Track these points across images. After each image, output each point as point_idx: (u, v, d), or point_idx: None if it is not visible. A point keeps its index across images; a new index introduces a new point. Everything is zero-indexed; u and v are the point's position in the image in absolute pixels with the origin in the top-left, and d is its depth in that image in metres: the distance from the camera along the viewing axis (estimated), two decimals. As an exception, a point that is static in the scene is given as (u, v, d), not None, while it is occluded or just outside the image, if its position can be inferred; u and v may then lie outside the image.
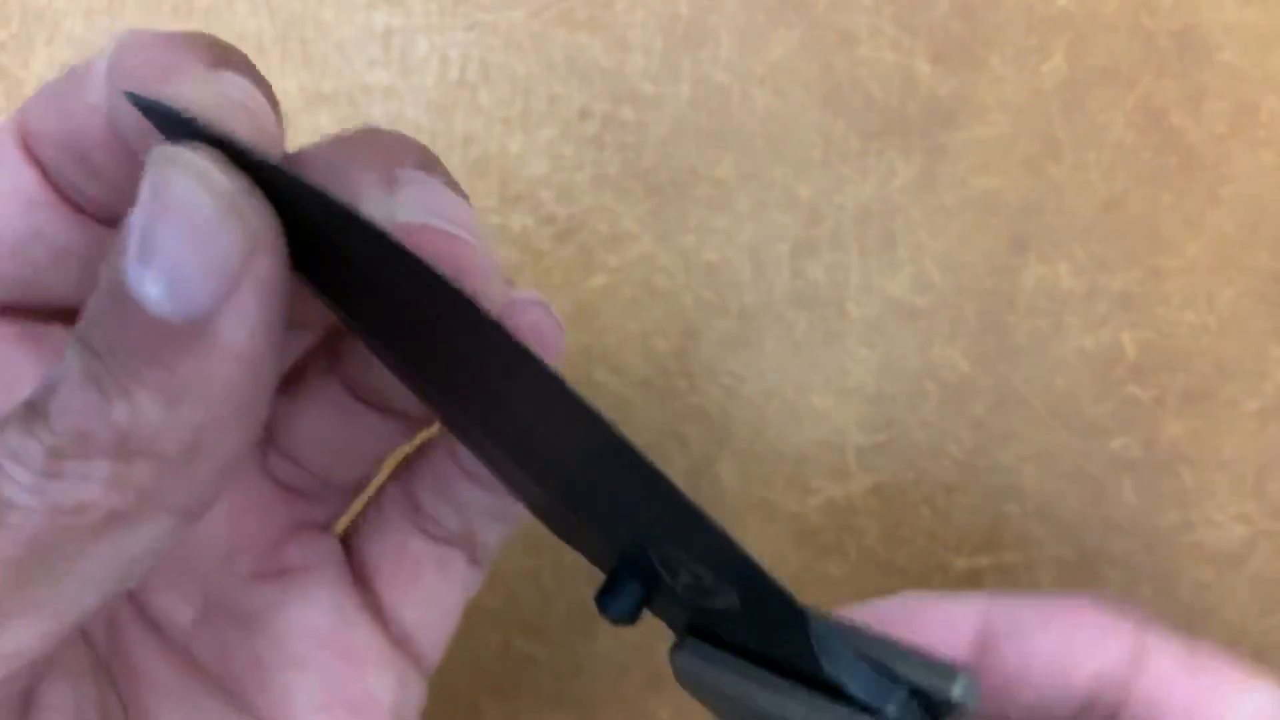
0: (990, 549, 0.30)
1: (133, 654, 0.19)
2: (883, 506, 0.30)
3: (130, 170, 0.17)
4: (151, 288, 0.14)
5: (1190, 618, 0.30)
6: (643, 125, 0.29)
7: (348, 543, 0.21)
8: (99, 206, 0.19)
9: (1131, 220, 0.29)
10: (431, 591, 0.21)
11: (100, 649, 0.19)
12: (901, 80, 0.29)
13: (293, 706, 0.20)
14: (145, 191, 0.15)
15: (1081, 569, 0.30)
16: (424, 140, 0.29)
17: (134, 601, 0.20)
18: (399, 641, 0.21)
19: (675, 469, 0.30)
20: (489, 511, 0.20)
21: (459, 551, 0.21)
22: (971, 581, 0.30)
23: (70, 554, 0.15)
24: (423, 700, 0.21)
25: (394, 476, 0.21)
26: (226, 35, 0.29)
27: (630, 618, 0.19)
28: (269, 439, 0.21)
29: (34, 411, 0.15)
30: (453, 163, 0.29)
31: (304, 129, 0.29)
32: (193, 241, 0.14)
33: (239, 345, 0.15)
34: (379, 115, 0.29)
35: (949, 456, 0.29)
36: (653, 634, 0.31)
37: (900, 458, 0.29)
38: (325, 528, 0.21)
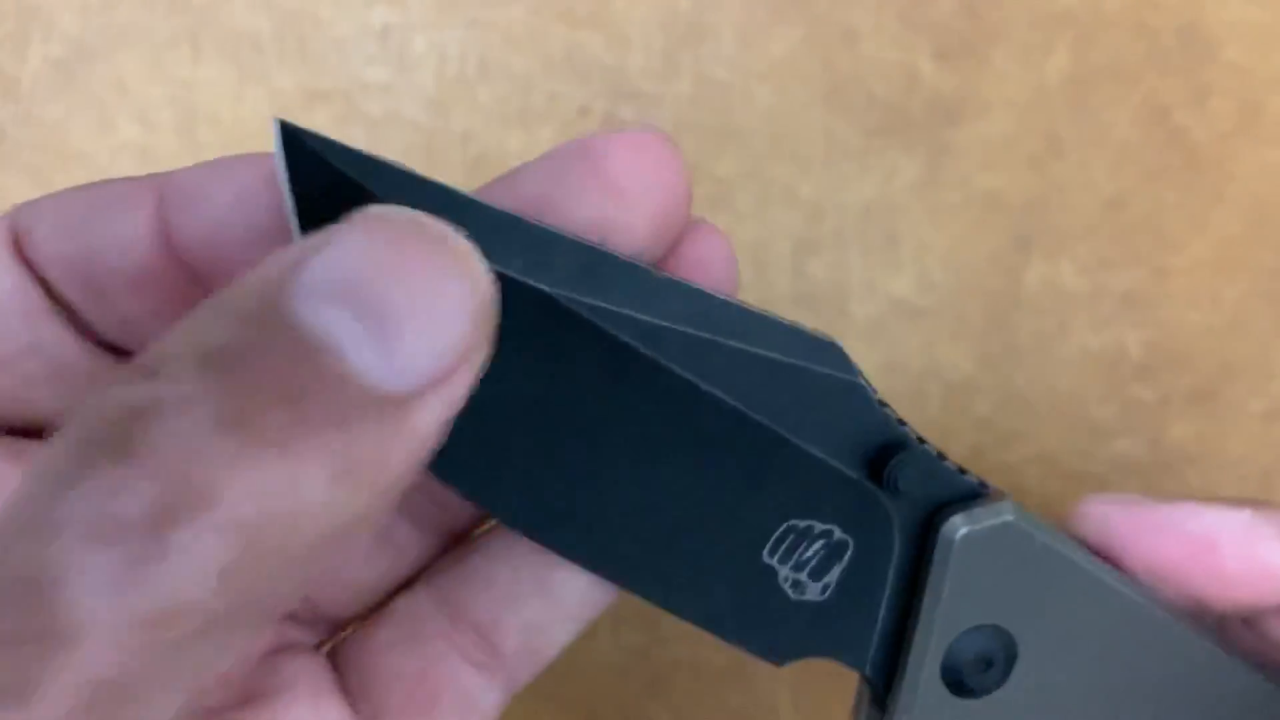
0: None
1: None
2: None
3: (153, 305, 0.16)
4: (356, 337, 0.12)
5: (1194, 619, 0.29)
6: (643, 123, 0.29)
7: (347, 654, 0.19)
8: (100, 330, 0.17)
9: (1136, 219, 0.29)
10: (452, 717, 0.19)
11: None
12: (904, 78, 0.29)
13: None
14: (357, 232, 0.12)
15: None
16: (422, 138, 0.29)
17: None
18: None
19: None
20: (575, 614, 0.19)
21: (494, 685, 0.19)
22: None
23: (141, 691, 0.11)
24: None
25: (427, 588, 0.19)
26: (224, 32, 0.29)
27: None
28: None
29: (119, 448, 0.11)
30: (452, 161, 0.29)
31: (302, 126, 0.29)
32: (436, 316, 0.12)
33: (429, 437, 0.13)
34: (377, 113, 0.29)
35: (952, 457, 0.29)
36: (652, 636, 0.30)
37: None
38: (307, 648, 0.19)
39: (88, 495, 0.11)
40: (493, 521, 0.20)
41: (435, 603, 0.19)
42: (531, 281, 0.16)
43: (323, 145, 0.16)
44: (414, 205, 0.14)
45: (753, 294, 0.29)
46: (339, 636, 0.19)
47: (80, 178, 0.29)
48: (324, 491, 0.12)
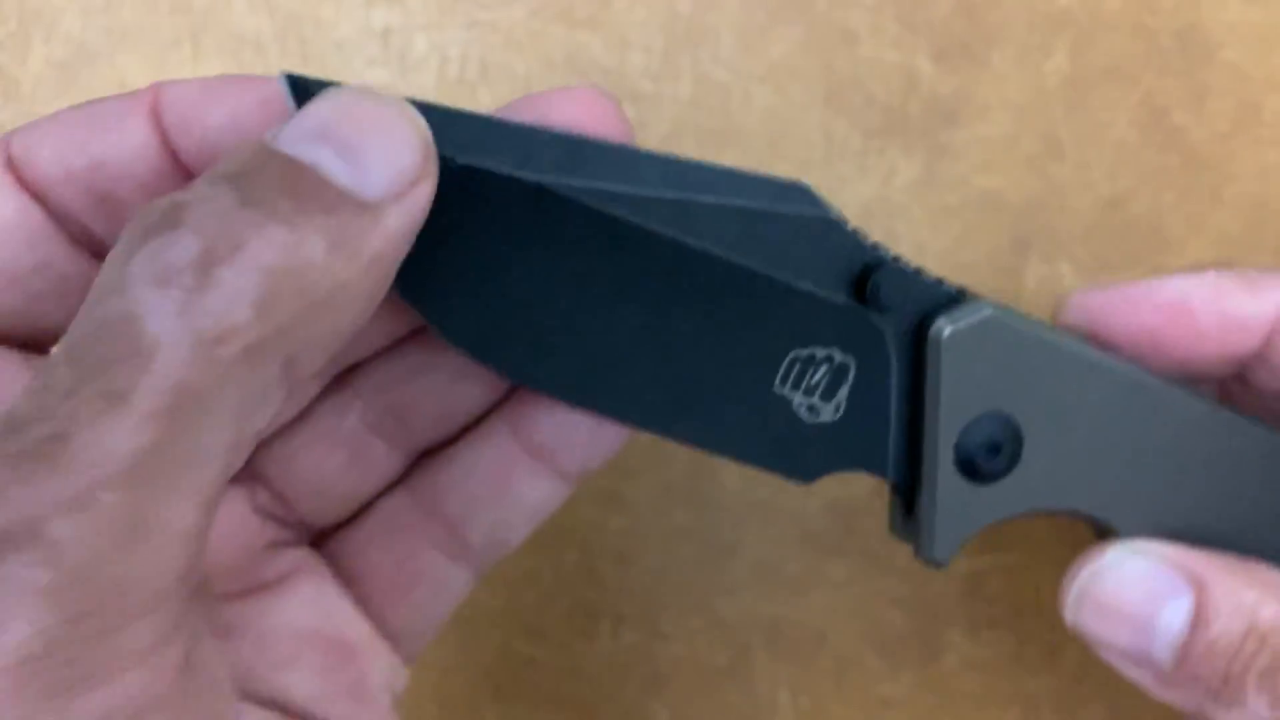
0: (990, 549, 0.30)
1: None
2: (884, 507, 0.30)
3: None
4: (333, 162, 0.16)
5: (1192, 618, 0.30)
6: (643, 124, 0.29)
7: (336, 548, 0.22)
8: (106, 241, 0.19)
9: (1134, 220, 0.29)
10: (424, 604, 0.21)
11: None
12: (903, 79, 0.29)
13: (291, 701, 0.20)
14: (327, 100, 0.17)
15: (1083, 570, 0.29)
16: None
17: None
18: (387, 636, 0.21)
19: (677, 468, 0.30)
20: (531, 509, 0.21)
21: (465, 566, 0.22)
22: (971, 581, 0.30)
23: (208, 403, 0.15)
24: (404, 680, 0.22)
25: (404, 492, 0.22)
26: (226, 33, 0.29)
27: None
28: (258, 476, 0.21)
29: (168, 222, 0.15)
30: (452, 162, 0.29)
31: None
32: (381, 137, 0.17)
33: (398, 235, 0.16)
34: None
35: (950, 457, 0.29)
36: (652, 634, 0.30)
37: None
38: (301, 543, 0.21)
39: (149, 254, 0.15)
40: (462, 436, 0.22)
41: (411, 505, 0.21)
42: (524, 174, 0.19)
43: (327, 86, 0.18)
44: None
45: (752, 294, 0.29)
46: (326, 538, 0.22)
47: (82, 178, 0.29)
48: (321, 255, 0.15)
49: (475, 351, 0.19)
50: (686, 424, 0.20)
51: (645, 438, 0.30)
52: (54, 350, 0.15)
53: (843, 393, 0.21)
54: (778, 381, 0.20)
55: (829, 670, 0.30)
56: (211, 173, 0.16)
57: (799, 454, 0.21)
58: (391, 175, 0.16)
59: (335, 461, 0.21)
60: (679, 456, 0.30)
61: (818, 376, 0.21)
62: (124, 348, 0.14)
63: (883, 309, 0.21)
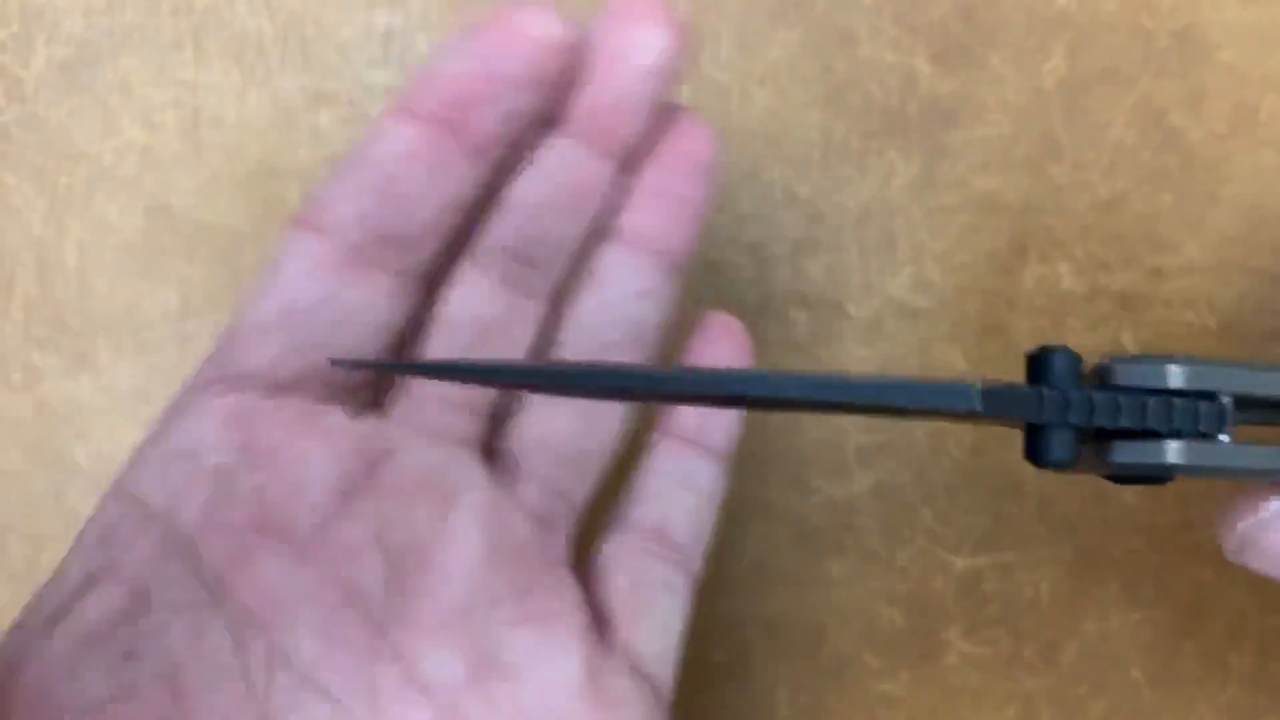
0: (990, 549, 0.30)
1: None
2: (882, 506, 0.30)
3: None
4: None
5: (1189, 617, 0.30)
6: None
7: (582, 580, 0.22)
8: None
9: (1132, 220, 0.29)
10: (665, 620, 0.22)
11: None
12: (902, 80, 0.29)
13: None
14: None
15: (1081, 569, 0.30)
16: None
17: (401, 663, 0.19)
18: (641, 677, 0.21)
19: (675, 469, 0.30)
20: (706, 491, 0.24)
21: (686, 575, 0.23)
22: (971, 581, 0.30)
23: None
24: None
25: (632, 502, 0.23)
26: (226, 34, 0.29)
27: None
28: (515, 466, 0.22)
29: None
30: (453, 162, 0.29)
31: (304, 129, 0.29)
32: None
33: None
34: (379, 115, 0.29)
35: (949, 456, 0.29)
36: (653, 634, 0.31)
37: (900, 458, 0.29)
38: (565, 564, 0.22)
39: None
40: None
41: (620, 530, 0.23)
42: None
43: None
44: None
45: (753, 293, 0.29)
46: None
47: (84, 179, 0.29)
48: None
49: None
50: None
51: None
52: None
53: None
54: None
55: (828, 669, 0.30)
56: None
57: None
58: None
59: (569, 425, 0.23)
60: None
61: None
62: None
63: (1058, 469, 0.19)
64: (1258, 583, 0.29)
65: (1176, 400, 0.19)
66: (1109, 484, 0.28)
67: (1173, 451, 0.19)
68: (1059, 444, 0.18)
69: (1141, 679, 0.30)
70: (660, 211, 0.22)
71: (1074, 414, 0.18)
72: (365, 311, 0.20)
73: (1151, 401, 0.19)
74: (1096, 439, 0.19)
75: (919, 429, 0.29)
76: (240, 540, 0.18)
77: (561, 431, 0.22)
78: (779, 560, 0.30)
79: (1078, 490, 0.29)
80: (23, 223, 0.30)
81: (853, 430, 0.29)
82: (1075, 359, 0.18)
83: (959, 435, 0.29)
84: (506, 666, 0.20)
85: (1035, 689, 0.30)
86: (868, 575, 0.30)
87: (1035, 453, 0.18)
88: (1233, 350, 0.29)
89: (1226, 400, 0.19)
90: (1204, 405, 0.19)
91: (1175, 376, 0.19)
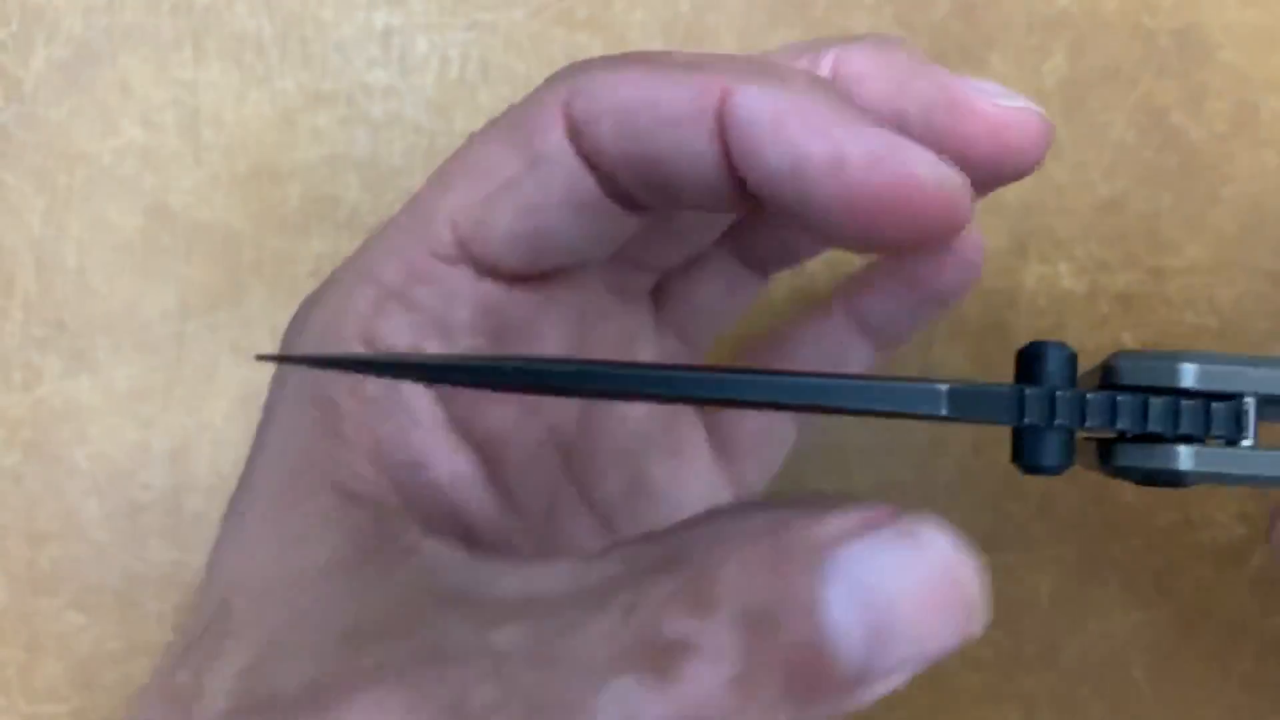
0: (990, 548, 0.30)
1: (566, 530, 0.22)
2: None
3: (710, 203, 0.18)
4: (854, 648, 0.14)
5: (1190, 617, 0.30)
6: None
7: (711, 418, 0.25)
8: (646, 203, 0.19)
9: (1132, 220, 0.29)
10: (768, 458, 0.25)
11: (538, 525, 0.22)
12: (902, 80, 0.29)
13: None
14: (915, 573, 0.14)
15: (1082, 569, 0.30)
16: (423, 140, 0.29)
17: (578, 484, 0.23)
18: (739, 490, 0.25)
19: (675, 469, 0.30)
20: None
21: (795, 427, 0.26)
22: (972, 581, 0.30)
23: None
24: None
25: (760, 347, 0.25)
26: (226, 34, 0.29)
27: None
28: (675, 320, 0.24)
29: (659, 667, 0.14)
30: (452, 162, 0.29)
31: (303, 128, 0.29)
32: (930, 643, 0.14)
33: (862, 704, 0.14)
34: (379, 114, 0.29)
35: (950, 455, 0.29)
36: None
37: (901, 457, 0.29)
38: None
39: (631, 688, 0.14)
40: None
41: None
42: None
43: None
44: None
45: (752, 294, 0.29)
46: None
47: (83, 179, 0.29)
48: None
49: None
50: None
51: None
52: (517, 665, 0.14)
53: None
54: None
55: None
56: (739, 590, 0.14)
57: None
58: (907, 662, 0.14)
59: (720, 290, 0.24)
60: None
61: None
62: None
63: (1047, 474, 0.18)
64: (1258, 583, 0.29)
65: (1185, 401, 0.17)
66: (1110, 484, 0.28)
67: (1183, 457, 0.17)
68: (1047, 448, 0.17)
69: (1142, 679, 0.30)
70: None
71: (1062, 415, 0.17)
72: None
73: (1155, 402, 0.17)
74: (1099, 438, 0.18)
75: (920, 428, 0.29)
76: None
77: (707, 293, 0.24)
78: (779, 560, 0.30)
79: (1079, 490, 0.29)
80: (22, 222, 0.29)
81: (853, 430, 0.29)
82: (1070, 355, 0.17)
83: (960, 434, 0.29)
84: (651, 487, 0.23)
85: (1036, 689, 0.30)
86: (868, 575, 0.30)
87: (1020, 456, 0.17)
88: (1232, 351, 0.29)
89: (1249, 401, 0.17)
90: (1218, 407, 0.17)
91: (1187, 375, 0.17)
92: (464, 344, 0.19)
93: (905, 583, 0.14)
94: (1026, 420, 0.17)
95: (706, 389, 0.16)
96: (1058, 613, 0.30)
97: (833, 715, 0.14)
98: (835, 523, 0.14)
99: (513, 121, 0.19)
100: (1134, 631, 0.30)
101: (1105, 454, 0.18)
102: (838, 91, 0.18)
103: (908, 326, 0.24)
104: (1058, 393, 0.17)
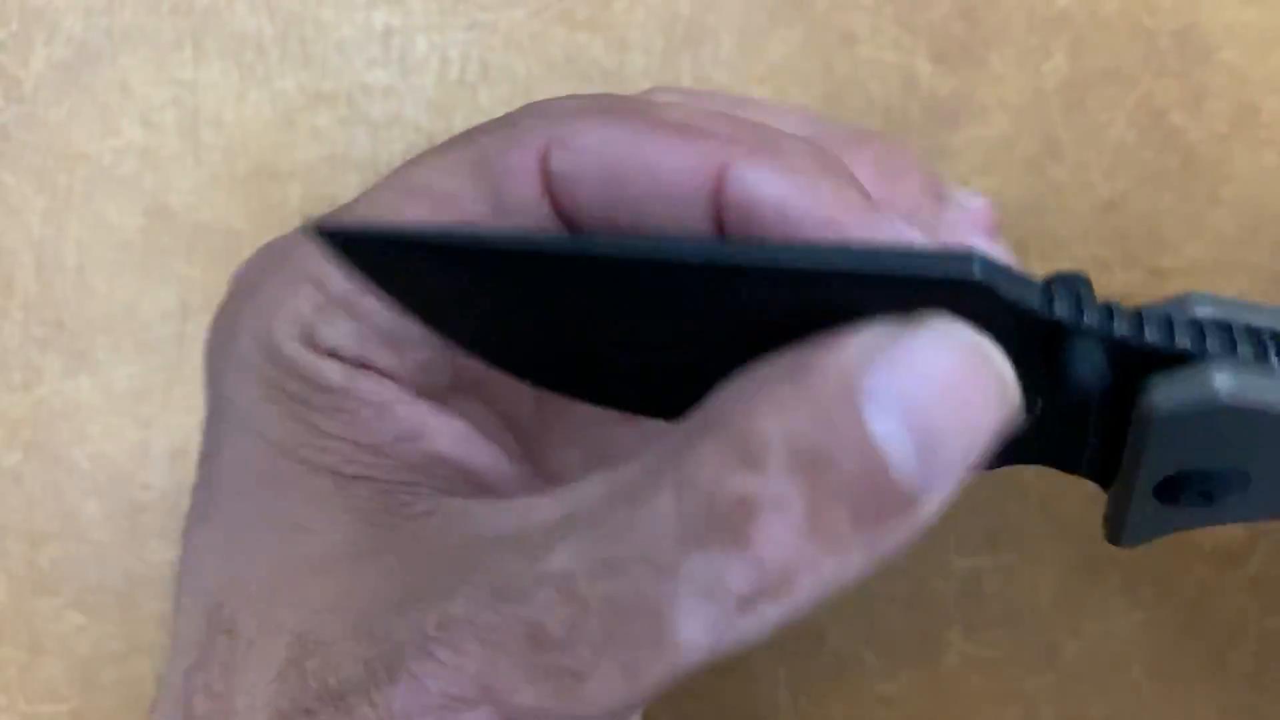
0: (990, 549, 0.30)
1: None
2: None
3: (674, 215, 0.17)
4: (907, 460, 0.14)
5: (1190, 618, 0.30)
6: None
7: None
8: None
9: (1132, 220, 0.29)
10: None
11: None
12: (902, 80, 0.29)
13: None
14: (942, 369, 0.14)
15: (1082, 569, 0.30)
16: (423, 140, 0.29)
17: (534, 463, 0.21)
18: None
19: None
20: None
21: None
22: (971, 581, 0.30)
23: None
24: None
25: None
26: (226, 34, 0.29)
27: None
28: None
29: (736, 533, 0.14)
30: (453, 162, 0.29)
31: (303, 129, 0.29)
32: (972, 438, 0.15)
33: (921, 528, 0.15)
34: (379, 115, 0.29)
35: (949, 456, 0.29)
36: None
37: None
38: None
39: (706, 564, 0.14)
40: None
41: None
42: (556, 248, 0.16)
43: (356, 228, 0.16)
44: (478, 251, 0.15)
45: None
46: None
47: (83, 179, 0.29)
48: (855, 576, 0.15)
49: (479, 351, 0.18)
50: None
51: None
52: (591, 585, 0.14)
53: (1038, 406, 0.17)
54: None
55: (828, 669, 0.30)
56: (789, 438, 0.14)
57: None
58: (959, 467, 0.15)
59: None
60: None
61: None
62: (650, 633, 0.14)
63: (1081, 390, 0.16)
64: (1258, 583, 0.29)
65: (1208, 323, 0.16)
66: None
67: (1221, 379, 0.16)
68: (1081, 354, 0.16)
69: (1142, 679, 0.30)
70: None
71: (1090, 318, 0.16)
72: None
73: (1180, 320, 0.16)
74: (1123, 399, 0.17)
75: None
76: None
77: None
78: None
79: (1079, 490, 0.29)
80: (22, 223, 0.29)
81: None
82: (1089, 285, 0.16)
83: (959, 435, 0.29)
84: (611, 459, 0.21)
85: (1036, 689, 0.30)
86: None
87: (1055, 364, 0.16)
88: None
89: (1265, 331, 0.17)
90: (1239, 329, 0.16)
91: (1204, 306, 0.17)
92: (414, 355, 0.19)
93: (938, 378, 0.14)
94: (1056, 313, 0.16)
95: (744, 256, 0.15)
96: (1058, 613, 0.30)
97: (901, 545, 0.15)
98: (856, 344, 0.14)
99: (483, 153, 0.18)
100: (1134, 631, 0.30)
101: (1138, 401, 0.17)
102: (839, 168, 0.17)
103: None
104: (1085, 302, 0.16)
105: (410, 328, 0.18)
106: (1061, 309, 0.16)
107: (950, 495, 0.15)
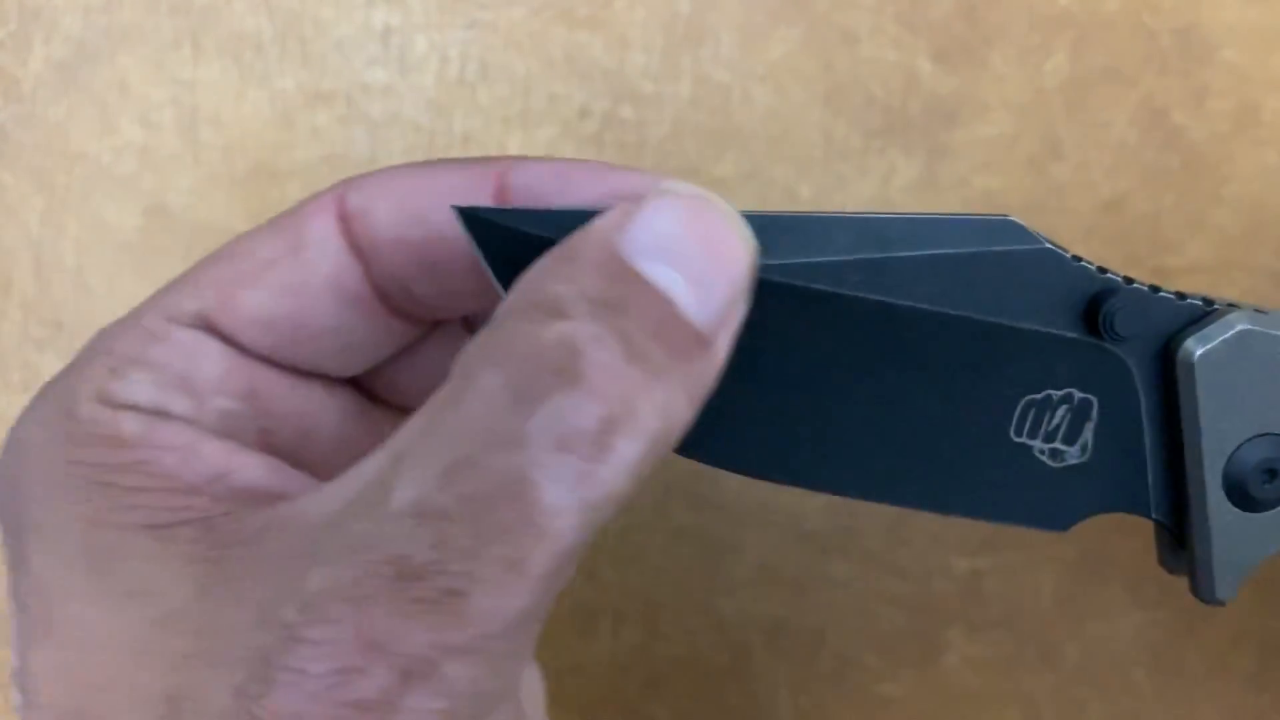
0: (990, 549, 0.30)
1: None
2: (883, 506, 0.30)
3: (474, 283, 0.19)
4: (684, 292, 0.16)
5: (1191, 618, 0.30)
6: (643, 124, 0.29)
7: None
8: (413, 306, 0.20)
9: (1134, 220, 0.29)
10: None
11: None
12: (903, 79, 0.29)
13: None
14: (669, 207, 0.16)
15: (1082, 569, 0.29)
16: (423, 139, 0.29)
17: None
18: None
19: (677, 468, 0.30)
20: None
21: None
22: (971, 581, 0.30)
23: (573, 560, 0.15)
24: None
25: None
26: (225, 33, 0.29)
27: None
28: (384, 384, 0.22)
29: (568, 378, 0.15)
30: (452, 162, 0.29)
31: (303, 127, 0.29)
32: (726, 266, 0.16)
33: (721, 363, 0.16)
34: (378, 114, 0.29)
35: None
36: (652, 634, 0.30)
37: (901, 458, 0.29)
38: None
39: (552, 414, 0.15)
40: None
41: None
42: None
43: (499, 215, 0.18)
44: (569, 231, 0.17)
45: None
46: None
47: (82, 178, 0.29)
48: (685, 414, 0.16)
49: (687, 448, 0.18)
50: (920, 491, 0.19)
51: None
52: (443, 493, 0.15)
53: (1088, 432, 0.19)
54: (1013, 429, 0.19)
55: (829, 670, 0.30)
56: (584, 293, 0.16)
57: (1047, 503, 0.19)
58: (728, 297, 0.16)
59: (440, 357, 0.22)
60: (679, 456, 0.30)
61: (1057, 418, 0.19)
62: (521, 514, 0.14)
63: (1120, 339, 0.19)
64: (1259, 584, 0.29)
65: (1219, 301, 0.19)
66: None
67: (1239, 317, 0.19)
68: (1127, 303, 0.19)
69: (1143, 680, 0.30)
70: None
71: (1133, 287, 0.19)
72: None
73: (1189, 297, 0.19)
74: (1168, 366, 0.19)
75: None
76: None
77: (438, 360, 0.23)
78: (780, 561, 0.30)
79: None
80: (20, 222, 0.29)
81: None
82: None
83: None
84: None
85: (1037, 690, 0.30)
86: (869, 576, 0.30)
87: (1105, 317, 0.19)
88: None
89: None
90: (1245, 306, 0.19)
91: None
92: (214, 404, 0.19)
93: (682, 221, 0.16)
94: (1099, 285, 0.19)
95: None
96: (1058, 613, 0.30)
97: (709, 383, 0.16)
98: (604, 219, 0.16)
99: (283, 216, 0.20)
100: (1135, 632, 0.30)
101: (1178, 358, 0.19)
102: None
103: None
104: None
105: (208, 376, 0.19)
106: (1100, 282, 0.19)
107: (733, 330, 0.16)
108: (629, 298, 0.16)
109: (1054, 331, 0.19)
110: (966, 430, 0.19)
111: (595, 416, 0.14)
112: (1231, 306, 0.20)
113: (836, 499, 0.30)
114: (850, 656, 0.30)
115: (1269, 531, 0.20)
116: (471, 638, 0.14)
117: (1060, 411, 0.19)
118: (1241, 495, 0.19)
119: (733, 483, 0.30)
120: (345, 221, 0.19)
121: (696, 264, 0.16)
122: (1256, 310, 0.19)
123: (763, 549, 0.30)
